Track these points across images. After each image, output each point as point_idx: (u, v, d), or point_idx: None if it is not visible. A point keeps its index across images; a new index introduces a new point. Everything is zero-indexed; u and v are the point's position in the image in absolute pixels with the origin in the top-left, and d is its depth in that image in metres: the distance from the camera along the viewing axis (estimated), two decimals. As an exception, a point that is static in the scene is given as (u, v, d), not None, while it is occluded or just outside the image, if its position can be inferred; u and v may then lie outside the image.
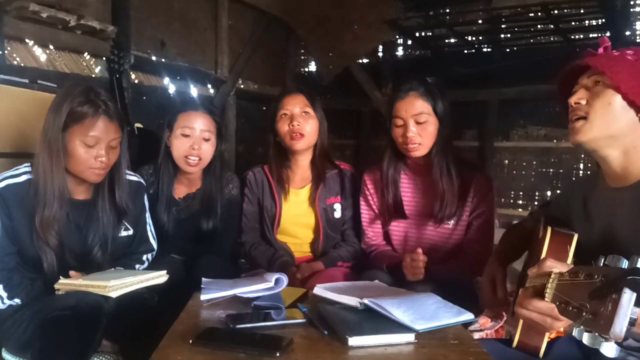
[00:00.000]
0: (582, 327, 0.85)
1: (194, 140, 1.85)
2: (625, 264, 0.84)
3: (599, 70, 1.11)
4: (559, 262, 0.99)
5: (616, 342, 1.12)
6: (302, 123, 1.89)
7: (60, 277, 1.39)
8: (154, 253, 1.77)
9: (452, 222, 1.79)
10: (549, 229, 1.16)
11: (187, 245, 1.92)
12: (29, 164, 1.49)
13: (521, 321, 1.20)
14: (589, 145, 1.16)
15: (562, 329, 1.45)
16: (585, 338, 0.87)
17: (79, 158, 1.44)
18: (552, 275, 0.95)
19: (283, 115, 1.92)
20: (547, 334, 1.17)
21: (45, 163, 1.43)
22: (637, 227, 1.10)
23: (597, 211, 1.21)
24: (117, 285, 1.34)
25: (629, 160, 1.13)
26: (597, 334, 0.84)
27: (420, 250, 1.65)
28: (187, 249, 1.91)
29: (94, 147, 1.45)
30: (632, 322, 0.86)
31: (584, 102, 1.14)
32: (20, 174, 1.46)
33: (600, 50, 1.17)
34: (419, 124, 1.73)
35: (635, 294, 0.80)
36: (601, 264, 0.87)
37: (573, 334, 0.89)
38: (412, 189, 1.86)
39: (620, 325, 0.78)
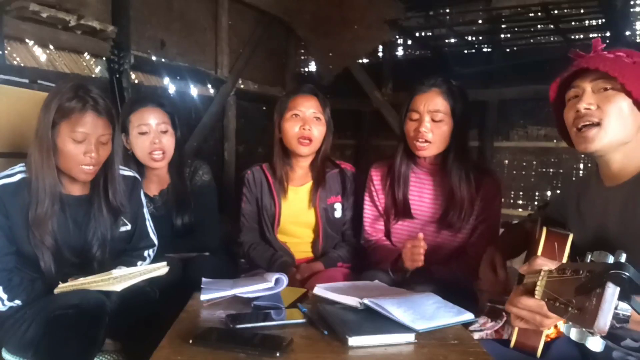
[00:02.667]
0: (569, 322, 0.87)
1: (153, 135, 1.86)
2: (610, 259, 0.86)
3: (609, 75, 1.09)
4: (549, 259, 1.00)
5: (612, 341, 1.14)
6: (312, 128, 1.87)
7: (60, 282, 1.39)
8: (155, 249, 1.76)
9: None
10: (544, 229, 1.17)
11: (168, 244, 1.88)
12: (23, 164, 1.49)
13: None
14: (600, 152, 1.14)
15: (561, 330, 1.46)
16: (573, 333, 0.88)
17: (69, 154, 1.45)
18: (542, 273, 0.96)
19: (294, 116, 1.89)
20: (544, 334, 1.18)
21: (36, 161, 1.44)
22: (627, 225, 1.11)
23: (590, 211, 1.22)
24: (120, 276, 1.35)
25: (628, 161, 1.13)
26: (583, 328, 0.85)
27: (421, 236, 1.63)
28: (169, 246, 1.87)
29: (83, 143, 1.45)
30: (624, 319, 0.87)
31: (594, 107, 1.11)
32: (15, 173, 1.47)
33: (593, 52, 1.15)
34: (434, 121, 1.72)
35: (618, 288, 0.81)
36: (588, 260, 0.89)
37: (560, 329, 0.90)
38: (419, 189, 1.85)
39: (604, 319, 0.79)
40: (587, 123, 1.12)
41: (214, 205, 2.00)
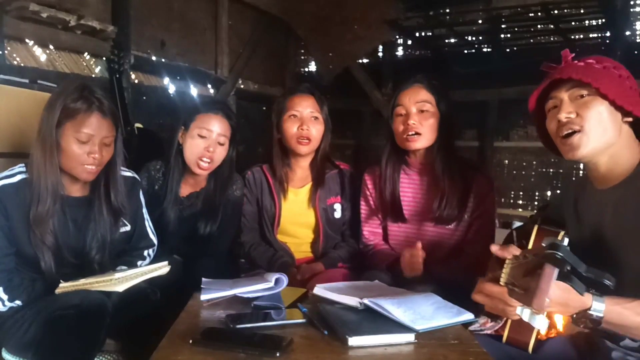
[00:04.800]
0: (524, 305, 0.93)
1: (209, 143, 1.84)
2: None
3: (584, 82, 1.13)
4: (518, 248, 1.06)
5: (611, 341, 1.15)
6: (310, 128, 1.88)
7: (61, 280, 1.39)
8: (155, 248, 1.77)
9: (453, 223, 1.79)
10: (535, 227, 1.18)
11: (184, 245, 1.91)
12: (23, 165, 1.49)
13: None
14: (586, 158, 1.17)
15: (561, 329, 1.46)
16: (525, 315, 0.94)
17: (72, 154, 1.44)
18: (507, 261, 1.02)
19: (292, 116, 1.90)
20: (535, 330, 1.19)
21: (39, 160, 1.43)
22: (621, 226, 1.13)
23: (586, 212, 1.24)
24: (122, 277, 1.35)
25: (615, 163, 1.16)
26: (527, 307, 0.92)
27: (419, 245, 1.64)
28: (184, 248, 1.90)
29: (87, 144, 1.45)
30: (597, 320, 0.98)
31: (573, 115, 1.15)
32: (15, 174, 1.46)
33: (564, 62, 1.19)
34: (421, 112, 1.74)
35: (557, 269, 0.89)
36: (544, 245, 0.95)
37: (517, 312, 0.95)
38: (412, 189, 1.86)
39: (542, 297, 0.87)
40: (570, 131, 1.16)
41: (236, 221, 2.00)
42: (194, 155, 1.85)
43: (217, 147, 1.85)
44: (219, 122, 1.86)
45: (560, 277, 0.90)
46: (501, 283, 1.01)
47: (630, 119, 1.15)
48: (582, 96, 1.15)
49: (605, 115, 1.13)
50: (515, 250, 1.04)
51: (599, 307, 0.98)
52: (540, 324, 0.92)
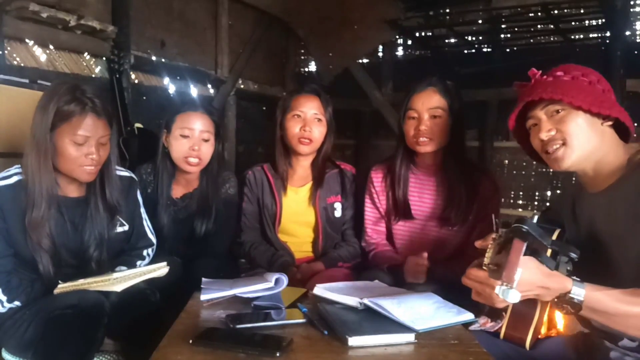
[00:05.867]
0: (501, 283, 0.96)
1: (194, 141, 1.84)
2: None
3: (556, 100, 1.16)
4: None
5: (610, 341, 1.15)
6: (312, 129, 1.88)
7: (60, 281, 1.39)
8: (154, 248, 1.77)
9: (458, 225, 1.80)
10: None
11: (183, 246, 1.92)
12: (19, 166, 1.48)
13: (508, 314, 1.25)
14: (572, 168, 1.20)
15: (561, 329, 1.47)
16: (500, 291, 0.96)
17: (70, 157, 1.44)
18: (489, 245, 1.08)
19: (296, 116, 1.90)
20: (532, 326, 1.20)
21: (33, 163, 1.42)
22: (613, 228, 1.16)
23: (581, 215, 1.27)
24: (120, 277, 1.36)
25: (602, 167, 1.19)
26: (499, 281, 0.96)
27: (425, 255, 1.66)
28: (183, 249, 1.90)
29: (84, 145, 1.44)
30: (578, 305, 1.00)
31: (554, 132, 1.18)
32: (12, 175, 1.46)
33: (534, 81, 1.22)
34: (433, 118, 1.73)
35: (525, 242, 0.95)
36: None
37: (496, 291, 0.97)
38: (418, 189, 1.86)
39: (510, 269, 0.93)
40: (554, 147, 1.19)
41: (232, 220, 2.00)
42: (181, 155, 1.85)
43: (202, 144, 1.86)
44: (200, 119, 1.86)
45: (530, 252, 0.96)
46: (484, 267, 1.05)
47: (610, 122, 1.18)
48: (558, 111, 1.17)
49: (584, 125, 1.15)
50: (493, 235, 1.10)
51: (579, 291, 1.00)
52: (512, 297, 0.94)
